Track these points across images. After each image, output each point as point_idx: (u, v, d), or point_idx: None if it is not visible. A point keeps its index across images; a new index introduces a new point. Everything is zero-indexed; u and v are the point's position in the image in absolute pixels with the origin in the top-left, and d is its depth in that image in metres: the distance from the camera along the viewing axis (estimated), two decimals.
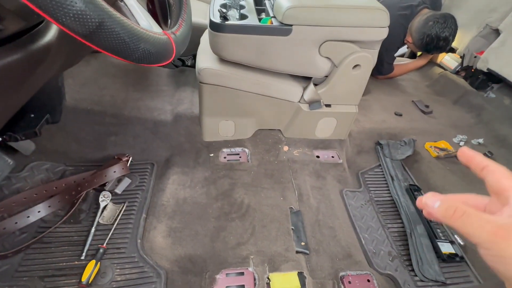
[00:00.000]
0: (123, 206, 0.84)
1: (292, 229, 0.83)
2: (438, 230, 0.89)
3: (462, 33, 1.42)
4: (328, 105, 1.00)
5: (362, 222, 0.91)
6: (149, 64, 0.34)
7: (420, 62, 1.49)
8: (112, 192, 0.86)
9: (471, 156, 0.26)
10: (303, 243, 0.80)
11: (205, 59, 0.90)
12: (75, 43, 0.63)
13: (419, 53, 1.54)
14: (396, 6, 1.29)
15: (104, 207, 0.82)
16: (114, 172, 0.86)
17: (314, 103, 0.97)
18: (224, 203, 0.88)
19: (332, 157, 1.09)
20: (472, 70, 1.41)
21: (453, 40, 1.28)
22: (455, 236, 0.88)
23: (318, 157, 1.07)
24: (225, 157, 1.02)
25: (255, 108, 0.98)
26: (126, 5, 0.34)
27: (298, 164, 1.02)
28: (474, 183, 1.04)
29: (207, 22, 1.06)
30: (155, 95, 1.11)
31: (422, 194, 1.02)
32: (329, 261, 0.78)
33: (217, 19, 0.78)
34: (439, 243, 0.85)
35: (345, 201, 0.96)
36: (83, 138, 0.96)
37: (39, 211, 0.79)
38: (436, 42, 1.24)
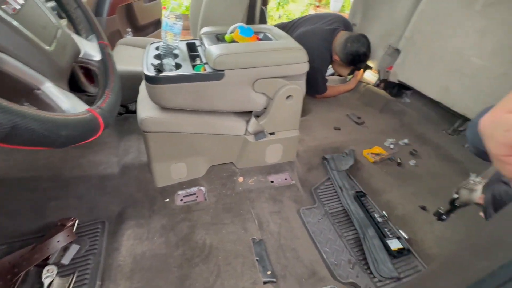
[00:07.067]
0: (72, 278, 0.76)
1: (257, 260, 0.85)
2: (386, 229, 1.00)
3: (374, 52, 1.69)
4: (272, 133, 1.08)
5: (321, 237, 0.97)
6: (76, 144, 0.35)
7: (350, 85, 1.74)
8: (57, 264, 0.78)
9: None
10: (269, 272, 0.82)
11: (145, 107, 0.92)
12: None
13: (349, 77, 1.78)
14: (319, 35, 1.52)
15: (50, 284, 0.74)
16: (58, 242, 0.79)
17: (259, 134, 1.04)
18: (186, 249, 0.86)
19: (285, 179, 1.15)
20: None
21: (369, 52, 1.54)
22: (400, 231, 0.99)
23: (272, 182, 1.13)
24: (181, 199, 1.01)
25: (204, 146, 1.01)
26: (44, 91, 0.35)
27: (254, 193, 1.06)
28: (408, 180, 1.20)
29: None
30: (98, 148, 1.06)
31: (368, 199, 1.13)
32: (296, 284, 0.81)
33: (151, 72, 0.82)
34: (388, 241, 0.94)
35: (303, 219, 1.02)
36: (15, 210, 0.86)
37: None
38: (358, 57, 1.50)
